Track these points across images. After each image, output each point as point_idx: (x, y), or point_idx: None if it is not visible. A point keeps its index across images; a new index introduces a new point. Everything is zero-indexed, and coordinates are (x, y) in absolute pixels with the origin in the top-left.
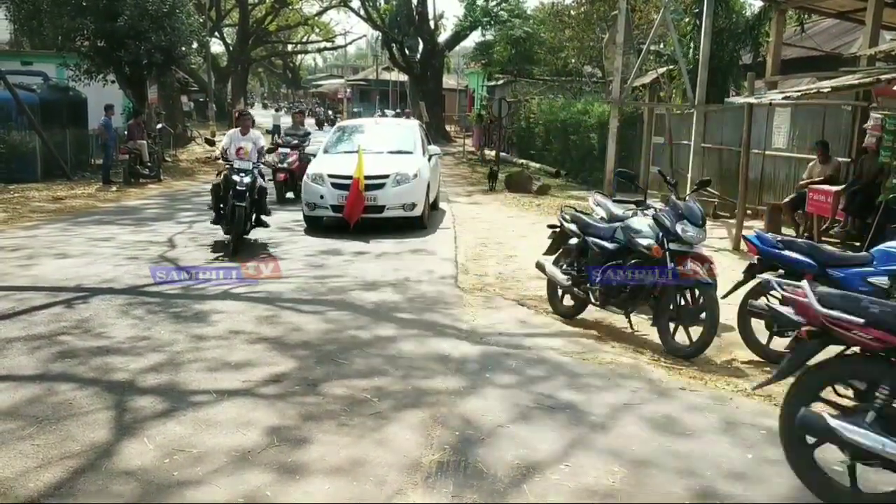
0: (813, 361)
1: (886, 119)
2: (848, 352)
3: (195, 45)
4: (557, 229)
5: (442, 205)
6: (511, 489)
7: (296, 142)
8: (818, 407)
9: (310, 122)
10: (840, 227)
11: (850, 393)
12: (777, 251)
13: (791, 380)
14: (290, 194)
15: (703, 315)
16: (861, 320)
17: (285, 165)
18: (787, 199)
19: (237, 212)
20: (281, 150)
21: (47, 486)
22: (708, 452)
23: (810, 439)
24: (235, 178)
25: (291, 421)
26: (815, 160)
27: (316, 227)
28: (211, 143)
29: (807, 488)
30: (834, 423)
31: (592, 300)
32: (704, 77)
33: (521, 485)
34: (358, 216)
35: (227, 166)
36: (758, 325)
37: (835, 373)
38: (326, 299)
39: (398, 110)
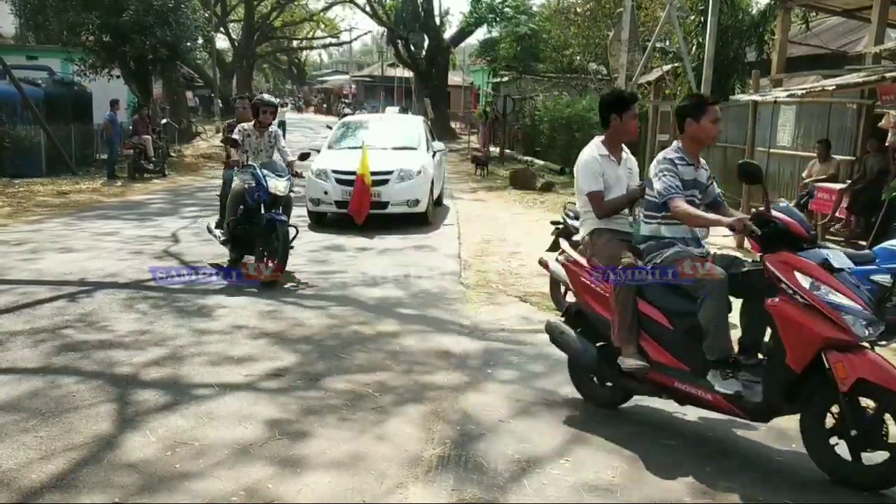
0: None
1: None
2: None
3: (200, 40)
4: (561, 226)
5: (446, 201)
6: (511, 484)
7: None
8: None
9: (332, 120)
10: (842, 225)
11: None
12: None
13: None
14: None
15: None
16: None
17: None
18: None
19: None
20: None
21: (50, 478)
22: (707, 449)
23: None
24: None
25: (293, 415)
26: (815, 159)
27: (319, 222)
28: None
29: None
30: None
31: None
32: (709, 74)
33: (521, 479)
34: (366, 213)
35: None
36: None
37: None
38: (329, 295)
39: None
